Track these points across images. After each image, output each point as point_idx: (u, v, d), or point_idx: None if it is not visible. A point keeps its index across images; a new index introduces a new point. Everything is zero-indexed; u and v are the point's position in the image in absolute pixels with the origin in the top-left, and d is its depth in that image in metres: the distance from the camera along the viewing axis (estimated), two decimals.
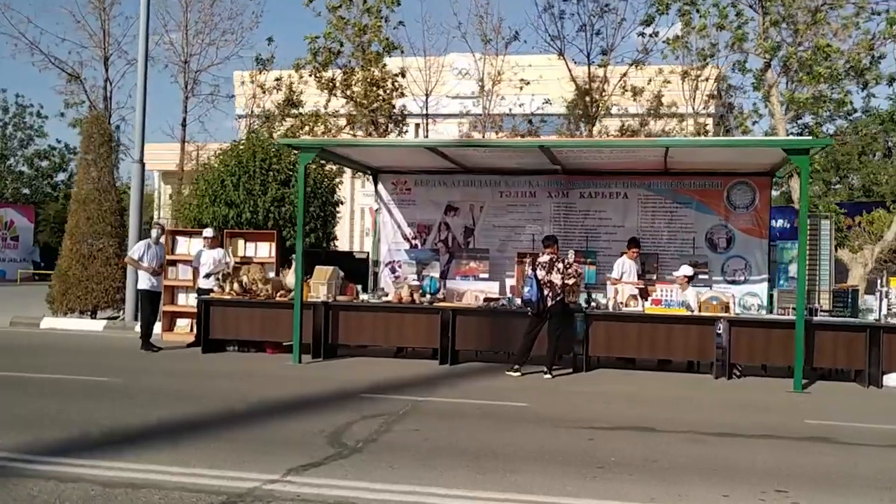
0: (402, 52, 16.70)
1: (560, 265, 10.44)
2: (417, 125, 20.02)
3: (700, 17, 15.19)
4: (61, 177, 39.37)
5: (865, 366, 10.16)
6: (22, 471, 5.35)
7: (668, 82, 16.57)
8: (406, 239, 13.95)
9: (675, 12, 15.38)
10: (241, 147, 13.91)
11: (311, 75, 16.50)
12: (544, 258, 10.61)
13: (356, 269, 13.26)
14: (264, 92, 17.72)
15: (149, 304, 12.46)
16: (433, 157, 12.56)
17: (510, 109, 17.36)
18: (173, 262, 13.98)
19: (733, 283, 12.61)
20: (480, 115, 17.33)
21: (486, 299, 12.13)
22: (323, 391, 8.84)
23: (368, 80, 15.77)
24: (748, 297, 12.27)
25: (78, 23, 17.41)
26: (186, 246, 14.14)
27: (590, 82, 16.30)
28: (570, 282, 10.48)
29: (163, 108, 55.06)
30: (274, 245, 13.76)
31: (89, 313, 15.78)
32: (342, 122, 17.20)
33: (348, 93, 16.15)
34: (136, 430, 6.69)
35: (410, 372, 10.47)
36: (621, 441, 6.75)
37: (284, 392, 8.65)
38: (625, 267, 11.76)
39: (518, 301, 11.63)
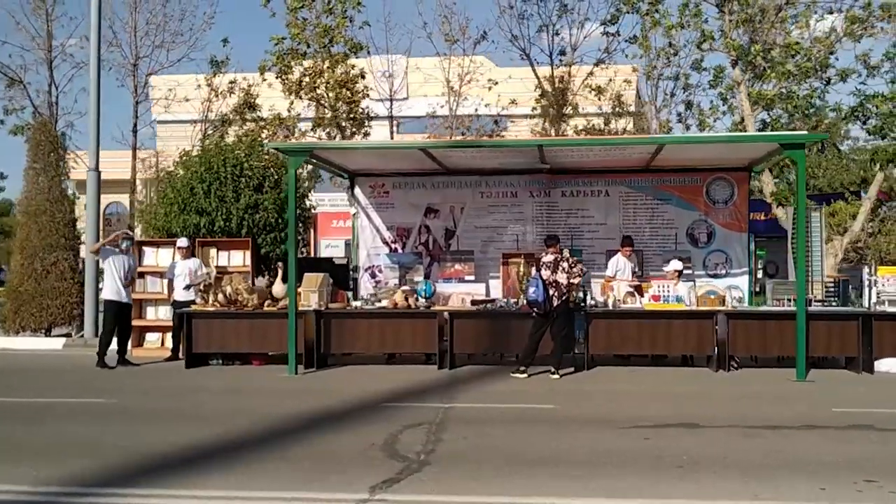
0: (368, 52, 16.40)
1: (565, 264, 10.39)
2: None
3: (661, 16, 15.44)
4: None
5: (858, 353, 10.48)
6: None
7: (629, 82, 16.84)
8: (385, 243, 13.67)
9: (635, 12, 15.59)
10: (211, 152, 13.33)
11: (276, 77, 15.97)
12: (548, 258, 10.54)
13: (336, 276, 12.90)
14: (217, 95, 17.08)
15: (112, 316, 11.72)
16: (415, 159, 12.35)
17: (476, 110, 17.25)
18: (141, 275, 13.28)
19: (715, 276, 12.83)
20: (447, 116, 17.15)
21: (473, 301, 12.00)
22: (343, 402, 8.51)
23: (336, 81, 15.36)
24: (730, 289, 12.49)
25: (18, 24, 16.39)
26: (154, 257, 13.49)
27: (553, 82, 16.35)
28: (576, 281, 10.45)
29: (110, 113, 52.06)
30: (248, 253, 13.27)
31: (43, 331, 14.88)
32: (304, 125, 16.74)
33: (315, 94, 15.68)
34: (173, 453, 6.25)
35: (415, 378, 10.21)
36: (677, 439, 6.71)
37: (304, 405, 8.27)
38: (619, 265, 11.82)
39: (512, 302, 11.57)
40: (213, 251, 13.26)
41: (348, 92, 15.58)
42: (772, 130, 15.21)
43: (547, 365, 10.36)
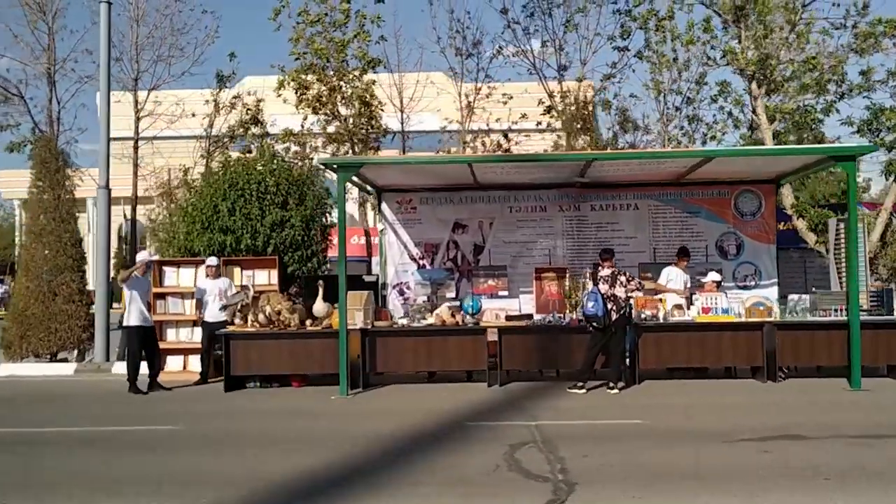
0: (385, 67, 16.22)
1: (622, 278, 10.37)
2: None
3: (670, 33, 15.68)
4: None
5: None
6: None
7: (635, 96, 17.02)
8: (413, 259, 13.49)
9: (643, 29, 15.80)
10: (234, 169, 12.97)
11: (295, 92, 15.65)
12: (605, 272, 10.50)
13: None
14: (219, 111, 16.64)
15: (138, 341, 11.26)
16: (451, 174, 12.24)
17: (487, 125, 17.20)
18: (162, 296, 12.85)
19: (744, 288, 12.98)
20: (459, 130, 17.04)
21: (507, 317, 11.87)
22: (422, 422, 8.27)
23: (358, 95, 15.14)
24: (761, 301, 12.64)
25: (16, 37, 15.72)
26: (175, 277, 13.05)
27: (564, 96, 16.41)
28: (633, 295, 10.43)
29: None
30: (274, 272, 12.95)
31: (48, 357, 14.23)
32: (310, 140, 16.44)
33: (334, 110, 15.40)
34: (305, 480, 6.00)
35: (472, 397, 10.03)
36: (798, 451, 6.70)
37: (385, 426, 8.02)
38: (671, 275, 11.80)
39: (557, 317, 11.48)
40: (237, 270, 12.91)
41: (367, 107, 15.37)
42: (779, 144, 15.55)
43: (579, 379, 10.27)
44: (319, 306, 11.39)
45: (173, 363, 12.88)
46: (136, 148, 16.87)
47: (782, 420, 8.07)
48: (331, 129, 16.45)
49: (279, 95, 15.91)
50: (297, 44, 15.42)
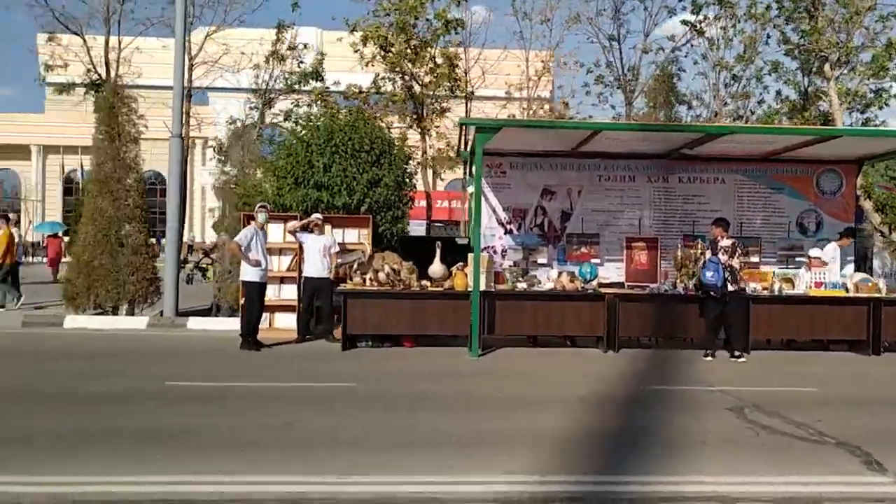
0: (465, 28, 15.93)
1: (739, 250, 10.64)
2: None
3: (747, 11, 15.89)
4: None
5: None
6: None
7: (704, 74, 17.26)
8: (501, 224, 13.42)
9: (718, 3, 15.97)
10: (335, 123, 12.61)
11: (381, 47, 15.23)
12: (726, 242, 10.72)
13: (461, 256, 12.59)
14: (279, 62, 16.06)
15: (257, 297, 11.04)
16: (552, 140, 12.21)
17: (552, 93, 17.15)
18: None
19: (823, 265, 13.37)
20: (525, 98, 16.95)
21: (600, 284, 12.03)
22: (595, 387, 8.32)
23: (446, 55, 14.85)
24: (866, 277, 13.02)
25: None
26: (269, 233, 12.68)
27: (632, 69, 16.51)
28: (739, 266, 10.70)
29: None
30: (365, 231, 12.75)
31: (111, 309, 13.68)
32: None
33: (425, 68, 15.08)
34: (566, 438, 6.00)
35: (603, 362, 10.21)
36: None
37: (568, 390, 8.06)
38: (833, 253, 12.12)
39: (669, 284, 11.68)
40: (327, 228, 12.64)
41: (453, 68, 15.10)
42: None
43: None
44: (437, 268, 11.30)
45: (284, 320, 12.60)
46: (189, 97, 16.21)
47: None
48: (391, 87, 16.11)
49: (356, 51, 15.49)
50: (414, 6, 14.87)
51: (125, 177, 13.61)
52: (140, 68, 15.82)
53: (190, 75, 16.22)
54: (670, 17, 16.56)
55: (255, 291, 10.96)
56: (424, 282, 11.24)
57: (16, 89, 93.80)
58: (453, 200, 27.20)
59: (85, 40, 14.97)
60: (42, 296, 16.79)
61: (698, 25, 16.68)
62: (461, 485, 4.82)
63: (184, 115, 16.42)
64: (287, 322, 12.59)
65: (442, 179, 21.64)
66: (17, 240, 16.44)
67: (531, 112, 16.87)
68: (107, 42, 14.67)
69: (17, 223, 24.93)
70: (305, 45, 16.76)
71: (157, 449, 5.53)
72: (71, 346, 10.96)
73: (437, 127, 16.79)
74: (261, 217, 11.23)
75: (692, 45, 16.71)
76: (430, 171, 18.01)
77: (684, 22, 16.45)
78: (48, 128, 49.95)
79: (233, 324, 12.76)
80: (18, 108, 70.11)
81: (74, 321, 13.03)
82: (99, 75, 14.89)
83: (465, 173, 13.49)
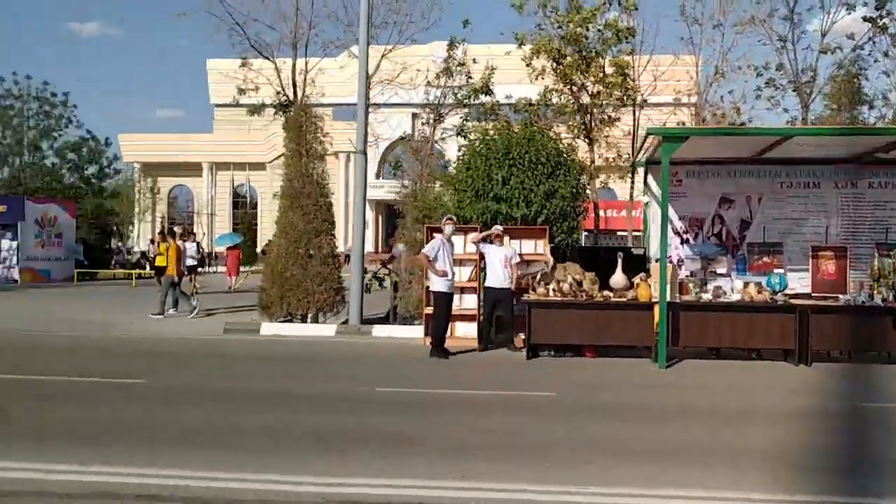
0: (635, 36, 15.99)
1: None
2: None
3: None
4: (91, 169, 37.08)
5: None
6: None
7: (887, 73, 16.44)
8: (677, 233, 13.29)
9: None
10: (512, 136, 12.97)
11: (553, 59, 15.57)
12: None
13: (636, 266, 12.56)
14: (448, 77, 16.62)
15: (445, 306, 11.52)
16: (746, 147, 11.95)
17: (721, 98, 16.87)
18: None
19: None
20: (692, 104, 16.77)
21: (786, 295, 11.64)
22: (811, 401, 8.16)
23: (617, 64, 14.98)
24: None
25: (262, 1, 16.02)
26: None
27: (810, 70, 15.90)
28: None
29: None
30: (541, 242, 12.97)
31: (300, 317, 14.60)
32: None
33: (593, 77, 15.28)
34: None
35: (800, 376, 9.91)
36: None
37: (795, 402, 7.94)
38: None
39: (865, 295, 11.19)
40: (504, 239, 12.95)
41: (624, 77, 15.20)
42: None
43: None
44: (619, 278, 11.38)
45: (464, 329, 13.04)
46: (366, 113, 17.05)
47: None
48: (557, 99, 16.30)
49: (528, 65, 15.85)
50: (544, 9, 15.20)
51: (313, 192, 14.50)
52: (323, 88, 16.92)
53: (367, 91, 17.03)
54: (849, 13, 15.79)
55: (443, 301, 11.44)
56: (606, 292, 11.34)
57: (184, 111, 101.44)
58: (608, 210, 27.06)
59: (276, 64, 16.09)
60: (220, 302, 18.54)
61: (880, 22, 15.82)
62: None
63: (367, 132, 17.39)
64: (467, 331, 13.00)
65: (608, 189, 21.57)
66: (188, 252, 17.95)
67: (700, 119, 16.57)
68: (294, 65, 15.70)
69: (191, 235, 26.99)
70: (474, 60, 17.24)
71: (396, 452, 5.94)
72: (275, 351, 11.84)
73: (606, 137, 16.81)
74: (447, 229, 11.72)
75: (874, 43, 15.88)
76: (596, 182, 18.05)
77: (866, 19, 15.65)
78: (218, 146, 53.69)
79: (414, 332, 13.42)
80: (185, 128, 75.61)
81: (270, 328, 14.03)
82: (286, 96, 15.93)
83: (631, 184, 13.43)
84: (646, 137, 11.60)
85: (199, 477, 5.14)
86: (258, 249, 45.22)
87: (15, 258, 28.32)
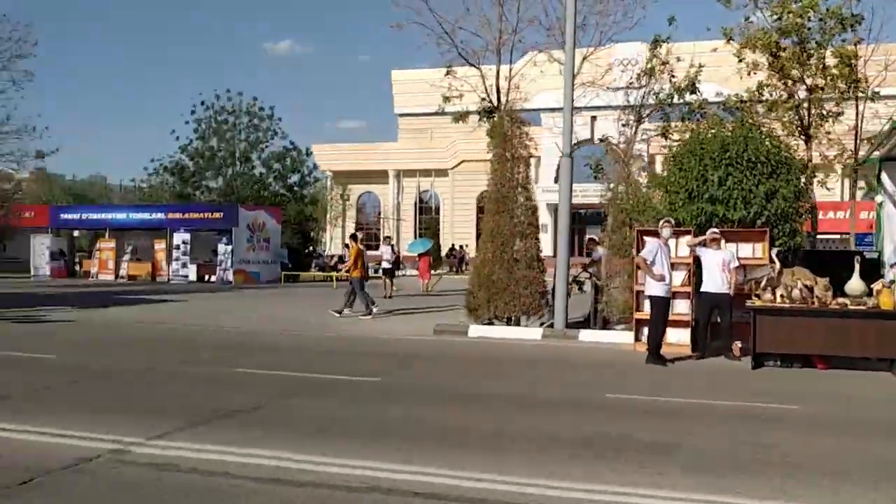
0: (861, 24, 14.97)
1: None
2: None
3: None
4: (293, 178, 39.70)
5: None
6: None
7: None
8: None
9: None
10: (729, 136, 12.46)
11: (770, 53, 14.91)
12: None
13: (869, 271, 11.64)
14: (652, 76, 16.22)
15: (663, 312, 11.21)
16: None
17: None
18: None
19: None
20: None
21: None
22: None
23: (842, 54, 14.08)
24: None
25: (468, 10, 16.43)
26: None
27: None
28: None
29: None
30: (759, 245, 12.33)
31: (506, 320, 14.75)
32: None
33: (812, 70, 14.44)
34: None
35: None
36: None
37: None
38: None
39: None
40: (722, 243, 12.43)
41: (850, 70, 14.23)
42: None
43: None
44: (856, 284, 10.64)
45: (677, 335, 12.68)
46: (572, 115, 16.97)
47: None
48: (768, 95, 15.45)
49: (741, 60, 15.20)
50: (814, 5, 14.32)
51: (519, 196, 14.62)
52: (527, 93, 17.06)
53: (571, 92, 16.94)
54: None
55: (661, 306, 11.17)
56: (841, 299, 10.61)
57: (365, 121, 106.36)
58: (826, 211, 25.35)
59: (481, 71, 16.39)
60: (413, 303, 19.71)
61: None
62: None
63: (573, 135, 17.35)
64: (679, 337, 12.58)
65: (829, 189, 20.26)
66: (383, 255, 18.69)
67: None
68: (498, 71, 15.91)
69: (387, 238, 28.08)
70: (679, 59, 16.72)
71: (656, 460, 5.84)
72: (490, 353, 12.07)
73: (827, 133, 15.66)
74: (665, 232, 11.44)
75: None
76: (815, 181, 16.92)
77: None
78: (403, 154, 55.71)
79: (622, 337, 13.21)
80: (366, 138, 79.06)
81: (477, 330, 14.30)
82: (491, 102, 16.19)
83: (854, 182, 12.50)
84: (890, 131, 10.73)
85: (471, 478, 5.26)
86: (442, 254, 46.44)
87: (229, 261, 30.72)
